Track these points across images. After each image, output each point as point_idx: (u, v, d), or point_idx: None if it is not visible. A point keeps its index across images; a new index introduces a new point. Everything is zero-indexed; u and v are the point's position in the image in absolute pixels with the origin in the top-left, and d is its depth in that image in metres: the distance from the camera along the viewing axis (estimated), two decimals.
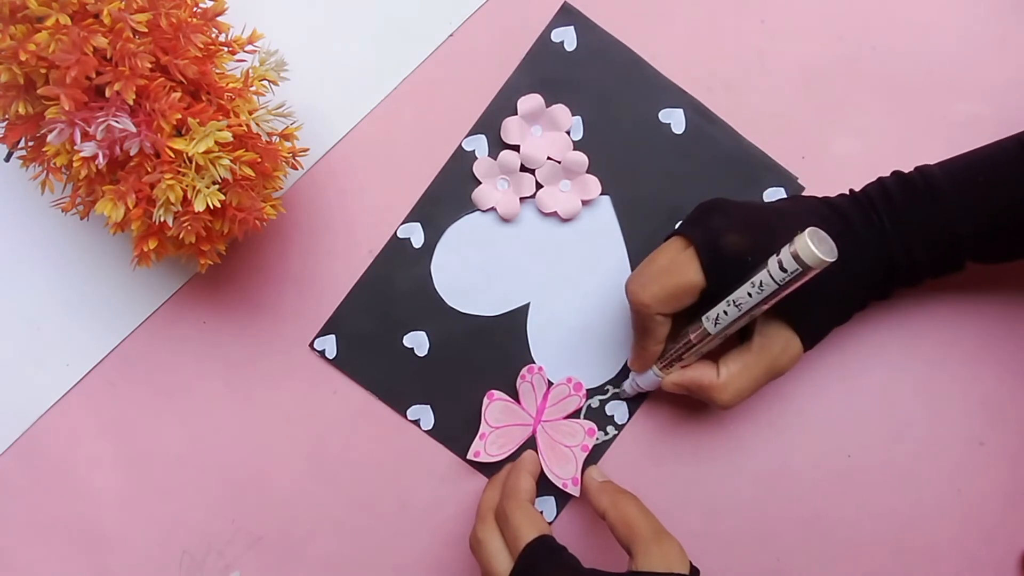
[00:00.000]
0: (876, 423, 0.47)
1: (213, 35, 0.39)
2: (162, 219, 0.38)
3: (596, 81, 0.47)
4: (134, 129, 0.36)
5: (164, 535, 0.49)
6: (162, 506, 0.49)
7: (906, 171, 0.41)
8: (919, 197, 0.40)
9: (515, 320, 0.48)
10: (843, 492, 0.47)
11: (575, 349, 0.48)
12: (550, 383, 0.47)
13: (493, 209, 0.47)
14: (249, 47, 0.41)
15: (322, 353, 0.48)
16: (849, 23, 0.48)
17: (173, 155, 0.37)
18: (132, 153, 0.37)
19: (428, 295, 0.48)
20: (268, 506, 0.49)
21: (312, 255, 0.49)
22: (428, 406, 0.48)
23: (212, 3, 0.39)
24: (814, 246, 0.34)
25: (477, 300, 0.48)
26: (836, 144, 0.47)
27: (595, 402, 0.48)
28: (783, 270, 0.35)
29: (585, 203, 0.47)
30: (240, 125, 0.39)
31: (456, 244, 0.48)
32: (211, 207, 0.38)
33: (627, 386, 0.47)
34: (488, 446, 0.47)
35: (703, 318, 0.40)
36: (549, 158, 0.47)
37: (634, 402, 0.48)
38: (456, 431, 0.48)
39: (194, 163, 0.37)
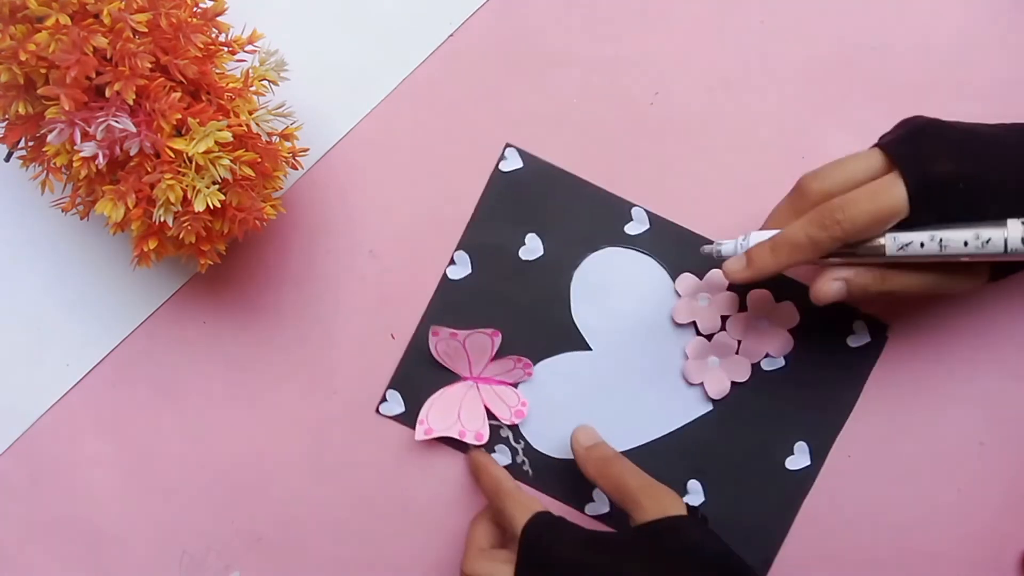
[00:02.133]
0: (876, 423, 0.47)
1: (213, 35, 0.39)
2: (162, 219, 0.38)
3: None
4: (134, 129, 0.36)
5: (164, 535, 0.49)
6: (162, 506, 0.49)
7: None
8: None
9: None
10: (843, 492, 0.47)
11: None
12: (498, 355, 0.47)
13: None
14: (249, 47, 0.41)
15: (390, 414, 0.48)
16: (849, 23, 0.48)
17: (173, 155, 0.37)
18: (132, 153, 0.37)
19: None
20: (268, 506, 0.49)
21: (312, 255, 0.49)
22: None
23: (212, 3, 0.39)
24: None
25: None
26: (836, 144, 0.47)
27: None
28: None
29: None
30: (240, 125, 0.39)
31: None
32: (211, 207, 0.38)
33: (729, 245, 0.42)
34: (431, 419, 0.47)
35: (887, 235, 0.37)
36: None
37: None
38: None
39: (194, 163, 0.37)
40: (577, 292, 0.48)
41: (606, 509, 0.47)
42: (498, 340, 0.46)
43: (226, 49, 0.40)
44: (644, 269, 0.47)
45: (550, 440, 0.48)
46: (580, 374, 0.48)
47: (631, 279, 0.47)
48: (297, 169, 0.44)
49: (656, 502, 0.39)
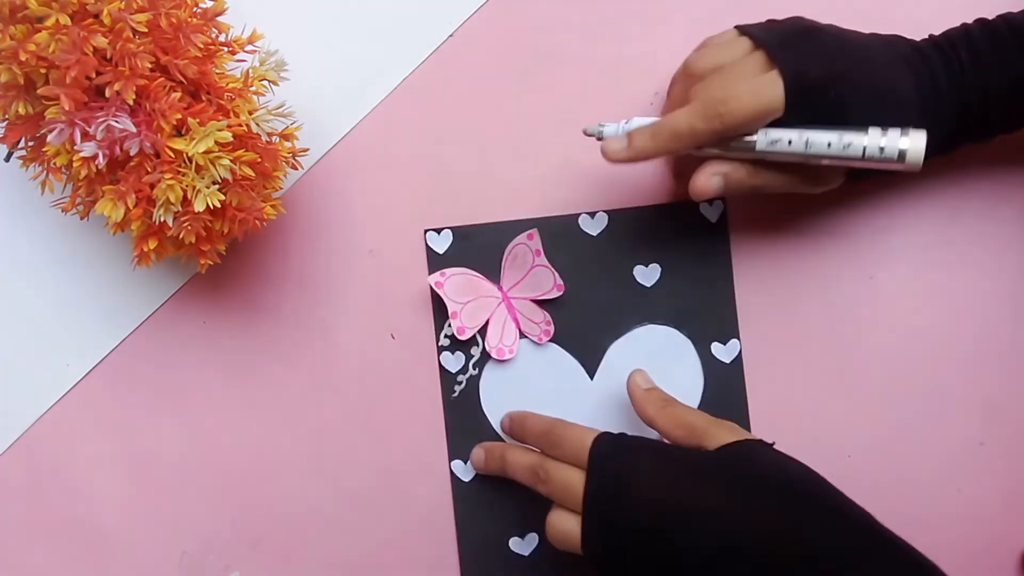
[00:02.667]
0: (876, 423, 0.47)
1: (213, 35, 0.39)
2: (162, 219, 0.38)
3: None
4: (134, 129, 0.36)
5: (164, 535, 0.49)
6: (162, 506, 0.49)
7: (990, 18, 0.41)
8: (1002, 41, 0.39)
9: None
10: (843, 492, 0.47)
11: None
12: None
13: None
14: (249, 47, 0.41)
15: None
16: (849, 23, 0.48)
17: (173, 155, 0.37)
18: (132, 153, 0.37)
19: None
20: (268, 506, 0.49)
21: (312, 255, 0.49)
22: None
23: (212, 3, 0.39)
24: (916, 147, 0.34)
25: None
26: None
27: None
28: (880, 152, 0.36)
29: None
30: (240, 125, 0.39)
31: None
32: (211, 207, 0.38)
33: (614, 129, 0.43)
34: (465, 319, 0.47)
35: (760, 131, 0.39)
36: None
37: None
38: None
39: (194, 163, 0.37)
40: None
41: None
42: (536, 240, 0.47)
43: (226, 49, 0.40)
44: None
45: (497, 404, 0.48)
46: (563, 372, 0.48)
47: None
48: (297, 169, 0.44)
49: (728, 431, 0.39)
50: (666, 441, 0.41)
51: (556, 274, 0.47)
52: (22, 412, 0.49)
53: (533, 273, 0.47)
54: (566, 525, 0.39)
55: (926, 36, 0.42)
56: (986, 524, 0.47)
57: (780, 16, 0.42)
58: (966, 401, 0.47)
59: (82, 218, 0.41)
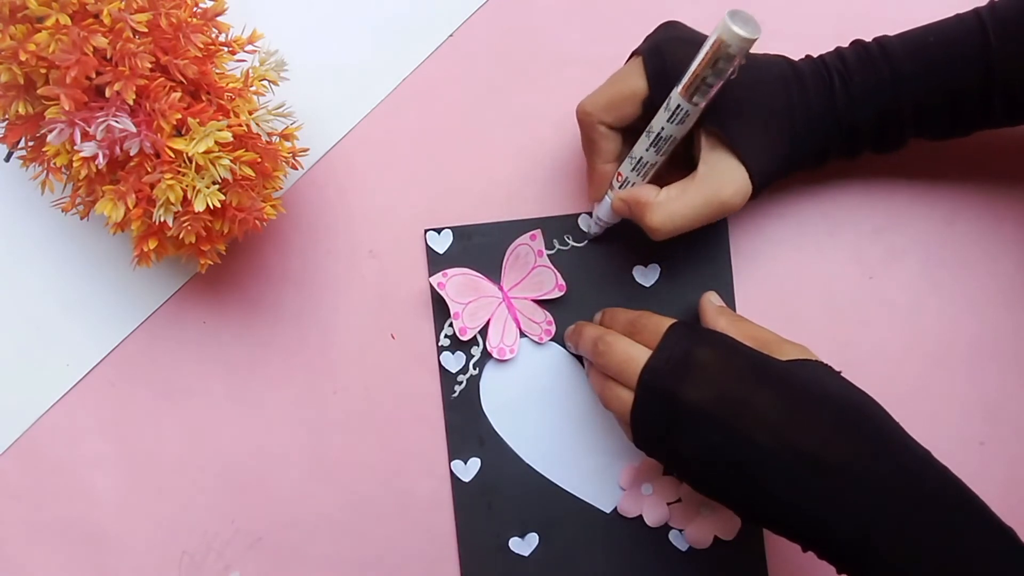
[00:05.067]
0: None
1: (213, 35, 0.39)
2: (162, 219, 0.38)
3: None
4: (134, 129, 0.36)
5: (164, 535, 0.49)
6: (162, 506, 0.49)
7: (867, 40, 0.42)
8: (872, 62, 0.40)
9: None
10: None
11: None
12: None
13: None
14: (249, 47, 0.41)
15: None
16: (849, 23, 0.48)
17: (173, 155, 0.37)
18: (132, 153, 0.37)
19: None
20: (268, 506, 0.49)
21: (312, 255, 0.49)
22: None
23: (212, 3, 0.39)
24: (735, 26, 0.34)
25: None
26: None
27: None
28: (714, 58, 0.35)
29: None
30: (240, 125, 0.39)
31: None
32: (211, 207, 0.38)
33: (588, 223, 0.47)
34: (467, 319, 0.47)
35: (646, 131, 0.40)
36: None
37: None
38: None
39: (194, 163, 0.37)
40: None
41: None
42: (538, 241, 0.47)
43: (226, 49, 0.40)
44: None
45: (497, 404, 0.48)
46: (563, 372, 0.48)
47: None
48: (297, 169, 0.44)
49: (798, 350, 0.39)
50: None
51: (558, 274, 0.47)
52: (22, 412, 0.49)
53: (535, 273, 0.47)
54: (617, 395, 0.39)
55: (803, 56, 0.43)
56: None
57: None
58: (966, 401, 0.47)
59: (82, 218, 0.41)
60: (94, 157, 0.36)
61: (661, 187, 0.41)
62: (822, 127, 0.41)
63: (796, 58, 0.42)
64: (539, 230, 0.47)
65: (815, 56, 0.42)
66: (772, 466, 0.34)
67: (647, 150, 0.40)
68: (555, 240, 0.48)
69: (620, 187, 0.43)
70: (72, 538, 0.49)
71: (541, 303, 0.48)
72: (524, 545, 0.48)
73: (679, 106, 0.38)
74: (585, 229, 0.48)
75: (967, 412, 0.47)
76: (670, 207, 0.40)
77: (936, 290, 0.48)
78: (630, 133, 0.42)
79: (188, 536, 0.49)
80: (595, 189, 0.44)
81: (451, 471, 0.48)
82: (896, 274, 0.48)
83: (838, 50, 0.42)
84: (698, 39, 0.39)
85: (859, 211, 0.48)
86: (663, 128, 0.39)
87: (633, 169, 0.42)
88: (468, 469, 0.48)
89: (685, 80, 0.37)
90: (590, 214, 0.48)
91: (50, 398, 0.49)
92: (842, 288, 0.48)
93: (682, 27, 0.42)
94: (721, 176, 0.40)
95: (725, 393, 0.36)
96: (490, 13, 0.49)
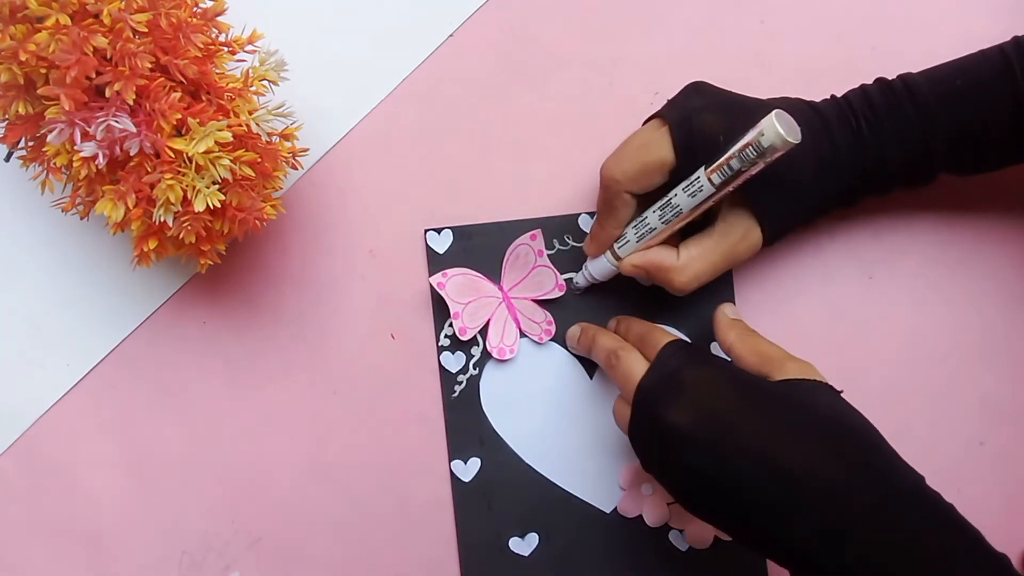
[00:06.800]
0: (876, 423, 0.47)
1: (213, 35, 0.39)
2: (162, 219, 0.38)
3: None
4: (134, 129, 0.36)
5: (164, 535, 0.49)
6: (162, 506, 0.49)
7: (890, 78, 0.42)
8: (898, 102, 0.40)
9: None
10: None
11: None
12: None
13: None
14: (249, 47, 0.41)
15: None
16: (849, 23, 0.48)
17: (173, 155, 0.37)
18: (132, 153, 0.37)
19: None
20: (268, 506, 0.49)
21: (312, 255, 0.49)
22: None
23: (212, 3, 0.39)
24: (780, 127, 0.35)
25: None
26: None
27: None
28: (749, 150, 0.36)
29: None
30: (240, 125, 0.38)
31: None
32: (211, 207, 0.38)
33: (579, 277, 0.47)
34: (467, 320, 0.47)
35: (668, 197, 0.40)
36: None
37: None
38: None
39: (194, 163, 0.37)
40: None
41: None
42: (539, 241, 0.47)
43: (226, 49, 0.40)
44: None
45: (497, 404, 0.48)
46: (563, 372, 0.48)
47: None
48: (297, 169, 0.44)
49: (799, 368, 0.38)
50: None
51: (558, 274, 0.47)
52: (22, 412, 0.49)
53: (535, 273, 0.47)
54: (622, 411, 0.40)
55: (827, 96, 0.43)
56: (986, 524, 0.47)
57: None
58: (966, 401, 0.47)
59: (82, 218, 0.41)
60: (94, 157, 0.36)
61: (675, 244, 0.42)
62: (850, 170, 0.41)
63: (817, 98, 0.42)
64: (539, 230, 0.47)
65: (839, 96, 0.42)
66: (753, 490, 0.34)
67: (656, 214, 0.41)
68: (555, 240, 0.48)
69: (619, 247, 0.43)
70: (72, 538, 0.49)
71: (541, 303, 0.48)
72: (524, 545, 0.48)
73: (702, 186, 0.38)
74: (576, 282, 0.47)
75: (967, 412, 0.47)
76: (693, 268, 0.41)
77: (936, 290, 0.48)
78: (644, 198, 0.42)
79: (188, 536, 0.49)
80: (596, 246, 0.44)
81: (451, 471, 0.48)
82: (896, 274, 0.48)
83: (863, 89, 0.42)
84: (725, 103, 0.40)
85: (859, 211, 0.48)
86: (675, 196, 0.40)
87: (634, 227, 0.42)
88: (468, 469, 0.48)
89: (715, 163, 0.38)
90: (591, 215, 0.47)
91: (50, 398, 0.49)
92: (842, 288, 0.48)
93: (708, 89, 0.42)
94: (736, 233, 0.41)
95: (710, 415, 0.36)
96: (490, 13, 0.49)
